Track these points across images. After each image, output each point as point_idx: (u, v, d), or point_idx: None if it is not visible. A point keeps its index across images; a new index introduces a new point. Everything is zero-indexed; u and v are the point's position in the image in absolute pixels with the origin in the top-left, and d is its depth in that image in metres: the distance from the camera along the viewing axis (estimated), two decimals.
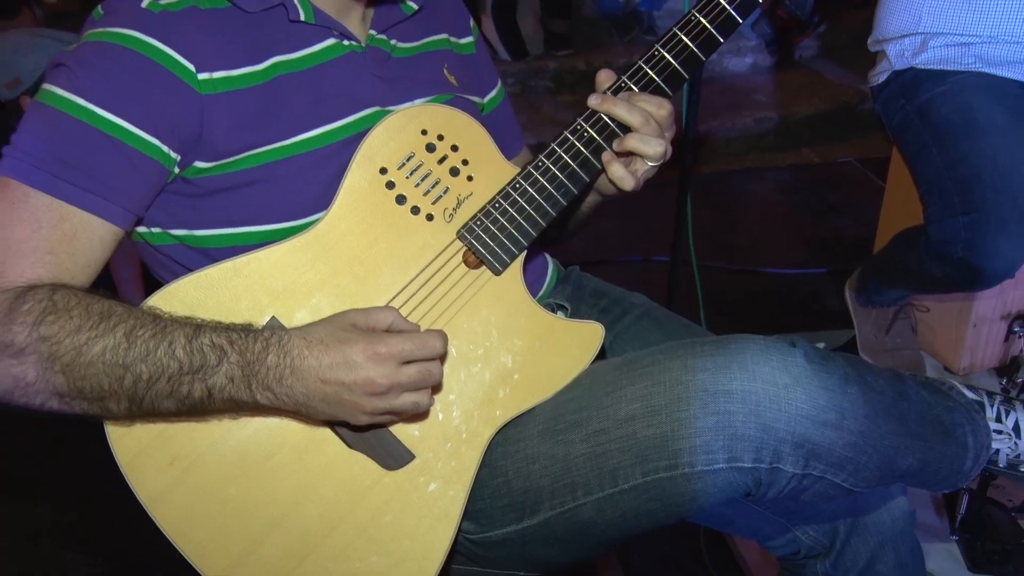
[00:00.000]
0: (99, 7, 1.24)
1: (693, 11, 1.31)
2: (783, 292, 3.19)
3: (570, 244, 1.63)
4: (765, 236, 3.59)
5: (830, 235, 3.57)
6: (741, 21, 1.32)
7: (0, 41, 3.04)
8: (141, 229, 1.28)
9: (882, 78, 2.34)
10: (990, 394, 1.37)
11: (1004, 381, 2.42)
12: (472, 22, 1.57)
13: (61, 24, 5.23)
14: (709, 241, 3.40)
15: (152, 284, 1.34)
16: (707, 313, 2.57)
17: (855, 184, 4.05)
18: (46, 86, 1.17)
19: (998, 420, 1.35)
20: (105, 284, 1.20)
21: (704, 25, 1.30)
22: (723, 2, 1.30)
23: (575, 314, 1.50)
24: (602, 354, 1.34)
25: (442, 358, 1.18)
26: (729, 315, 3.00)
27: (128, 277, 2.73)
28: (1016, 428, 1.34)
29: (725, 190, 4.09)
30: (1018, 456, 1.35)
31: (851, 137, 4.73)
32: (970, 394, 1.36)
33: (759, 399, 1.12)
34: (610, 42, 5.40)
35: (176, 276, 1.21)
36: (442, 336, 1.16)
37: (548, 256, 1.59)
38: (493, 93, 1.59)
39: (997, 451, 1.34)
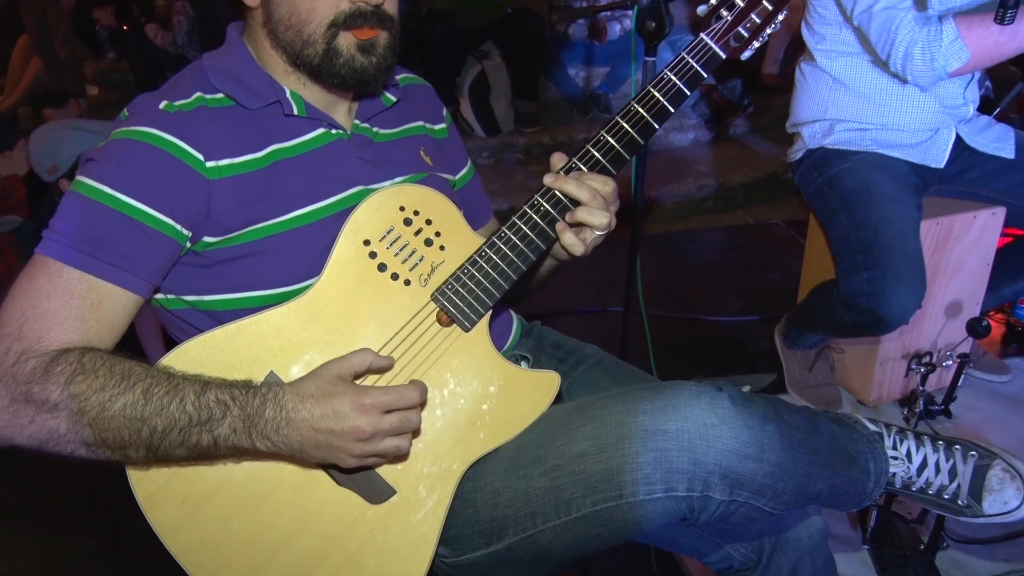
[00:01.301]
0: (125, 110, 1.27)
1: (632, 103, 1.33)
2: (722, 337, 3.20)
3: (537, 297, 1.63)
4: (706, 288, 3.60)
5: (761, 287, 3.58)
6: (672, 111, 1.34)
7: (43, 132, 3.13)
8: (158, 296, 1.29)
9: (799, 155, 2.39)
10: (887, 426, 1.38)
11: (905, 411, 2.46)
12: (445, 111, 1.59)
13: (102, 113, 5.34)
14: (658, 293, 3.41)
15: (169, 337, 1.36)
16: (656, 355, 2.58)
17: (782, 242, 4.08)
18: (79, 177, 1.19)
19: (894, 448, 1.36)
20: (129, 335, 1.21)
21: (642, 115, 1.32)
22: (657, 95, 1.32)
23: (536, 364, 1.51)
24: (560, 398, 1.35)
25: (420, 407, 1.19)
26: (675, 357, 3.00)
27: (150, 331, 2.74)
28: (908, 454, 1.36)
29: (672, 248, 4.10)
30: (910, 478, 1.36)
31: (778, 201, 4.77)
32: (872, 426, 1.37)
33: (691, 437, 1.14)
34: (572, 120, 5.43)
35: (188, 336, 1.22)
36: (419, 387, 1.17)
37: (513, 313, 1.59)
38: (464, 171, 1.60)
39: (894, 474, 1.35)
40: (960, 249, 2.41)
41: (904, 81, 2.06)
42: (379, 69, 1.28)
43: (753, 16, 1.34)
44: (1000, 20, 1.48)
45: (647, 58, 2.19)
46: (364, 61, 1.25)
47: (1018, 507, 1.33)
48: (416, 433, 1.23)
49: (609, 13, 5.16)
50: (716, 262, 3.95)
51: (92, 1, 6.14)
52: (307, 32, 1.23)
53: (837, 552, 1.99)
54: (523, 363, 1.45)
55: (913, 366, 2.39)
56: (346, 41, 1.24)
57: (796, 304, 2.68)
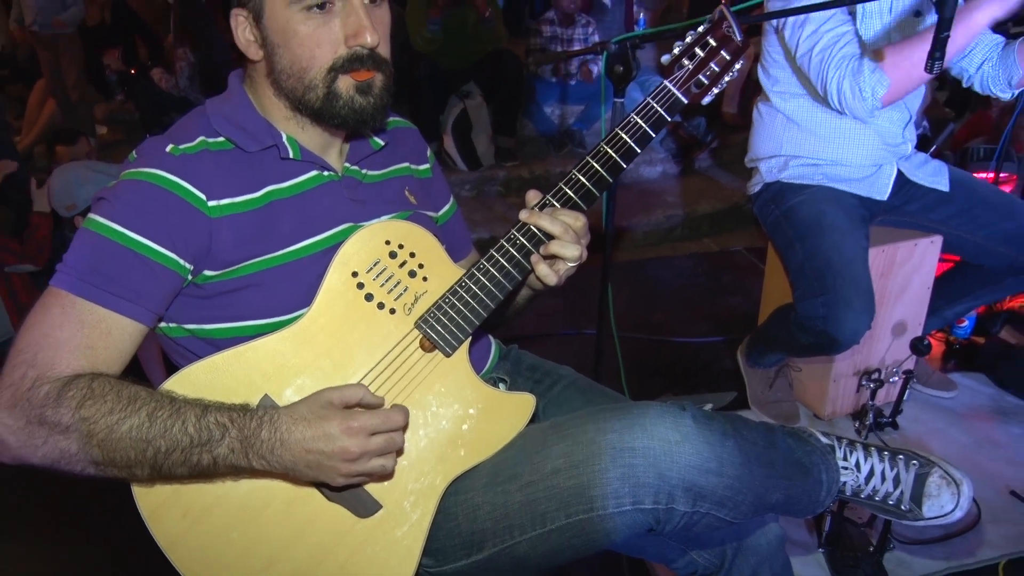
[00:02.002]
0: (134, 152, 1.28)
1: (601, 143, 1.34)
2: (689, 357, 3.20)
3: (517, 321, 1.63)
4: (674, 311, 3.60)
5: (725, 310, 3.59)
6: (639, 151, 1.35)
7: (64, 171, 3.17)
8: (162, 324, 1.30)
9: (757, 188, 2.42)
10: (839, 438, 1.41)
11: (857, 423, 2.49)
12: (429, 152, 1.60)
13: (111, 150, 5.39)
14: (630, 316, 3.41)
15: (171, 362, 1.36)
16: (628, 375, 2.58)
17: (744, 268, 4.09)
18: (91, 215, 1.20)
19: (844, 459, 1.38)
20: (131, 359, 1.22)
21: (610, 155, 1.33)
22: (625, 137, 1.34)
23: (513, 386, 1.52)
24: (536, 417, 1.36)
25: (404, 429, 1.20)
26: (646, 377, 3.00)
27: (151, 356, 2.73)
28: (857, 465, 1.39)
29: (643, 274, 4.10)
30: (859, 486, 1.39)
31: (740, 230, 4.82)
32: (824, 439, 1.40)
33: (656, 454, 1.15)
34: (548, 155, 5.46)
35: (189, 362, 1.23)
36: (403, 411, 1.18)
37: (492, 338, 1.60)
38: (446, 208, 1.61)
39: (845, 483, 1.38)
40: (904, 274, 2.45)
41: (842, 114, 2.10)
42: (376, 108, 1.29)
43: (712, 65, 1.37)
44: (929, 69, 1.51)
45: (616, 99, 2.22)
46: (362, 101, 1.26)
47: (953, 510, 1.37)
48: (401, 452, 1.23)
49: (583, 57, 5.22)
50: (684, 287, 3.96)
51: (103, 47, 6.18)
52: (308, 78, 1.24)
53: (795, 556, 2.02)
54: (501, 385, 1.46)
55: (863, 382, 2.43)
56: (345, 84, 1.25)
57: (757, 326, 2.70)
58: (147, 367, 2.71)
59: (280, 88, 1.28)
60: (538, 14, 5.62)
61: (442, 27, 4.79)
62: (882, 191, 2.26)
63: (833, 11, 2.02)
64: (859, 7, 2.09)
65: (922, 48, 1.85)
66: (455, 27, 4.85)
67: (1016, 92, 2.16)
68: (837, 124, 2.22)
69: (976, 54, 2.16)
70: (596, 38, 5.29)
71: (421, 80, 4.85)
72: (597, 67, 5.30)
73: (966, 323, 2.95)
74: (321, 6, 1.21)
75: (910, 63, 1.92)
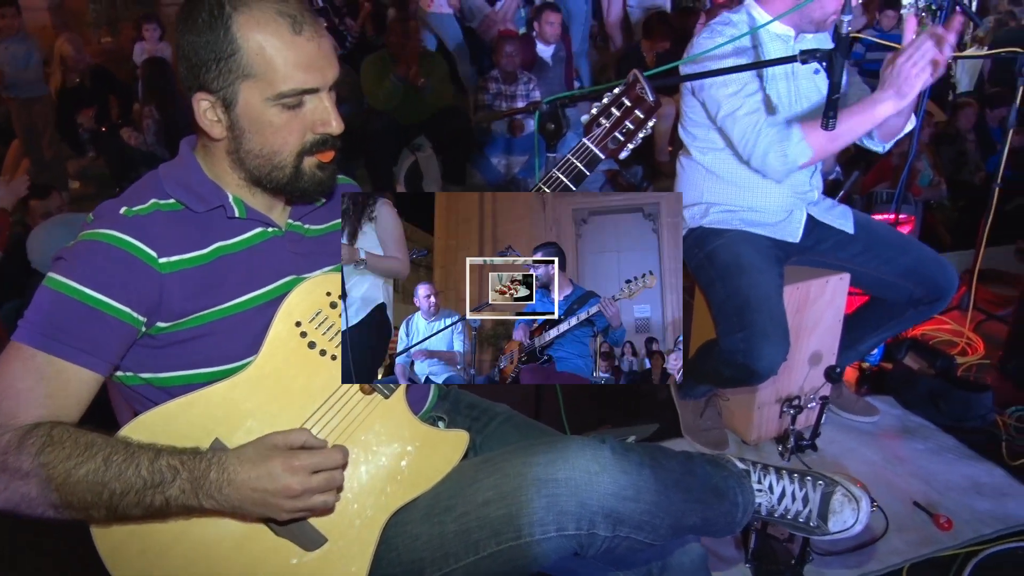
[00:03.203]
0: (90, 214, 1.29)
1: (540, 184, 1.39)
2: (627, 390, 3.21)
3: None
4: None
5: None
6: (574, 188, 1.40)
7: (53, 224, 3.21)
8: (118, 374, 1.29)
9: (682, 233, 2.48)
10: (754, 463, 1.45)
11: (780, 447, 2.54)
12: None
13: (82, 203, 5.39)
14: None
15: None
16: (567, 409, 2.59)
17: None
18: (50, 273, 1.21)
19: (759, 482, 1.42)
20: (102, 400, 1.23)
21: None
22: (546, 190, 1.39)
23: (452, 424, 1.53)
24: (473, 452, 1.38)
25: (343, 467, 1.21)
26: (585, 410, 2.99)
27: (123, 403, 2.70)
28: (770, 487, 1.43)
29: None
30: (773, 506, 1.43)
31: None
32: (740, 465, 1.43)
33: (577, 483, 1.19)
34: None
35: (145, 408, 1.23)
36: (342, 450, 1.19)
37: None
38: None
39: (760, 504, 1.42)
40: (817, 309, 2.52)
41: (762, 175, 2.18)
42: (333, 178, 1.33)
43: (627, 123, 1.42)
44: (825, 126, 1.61)
45: (549, 154, 2.28)
46: (322, 175, 1.30)
47: (854, 524, 1.42)
48: (341, 488, 1.24)
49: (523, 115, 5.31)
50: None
51: (79, 107, 6.18)
52: (278, 160, 1.27)
53: (723, 570, 2.05)
54: (440, 423, 1.47)
55: (784, 409, 2.48)
56: (309, 163, 1.28)
57: (688, 360, 2.75)
58: (119, 412, 2.68)
59: (241, 164, 1.29)
60: (485, 70, 5.72)
61: (402, 84, 4.89)
62: (794, 234, 2.34)
63: (744, 74, 2.11)
64: (766, 69, 2.19)
65: (840, 126, 1.93)
66: (409, 86, 4.93)
67: (885, 147, 2.28)
68: (751, 175, 2.29)
69: None
70: (537, 94, 5.38)
71: (375, 134, 4.90)
72: (528, 122, 5.39)
73: (875, 351, 3.04)
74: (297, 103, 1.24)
75: (828, 138, 2.02)
